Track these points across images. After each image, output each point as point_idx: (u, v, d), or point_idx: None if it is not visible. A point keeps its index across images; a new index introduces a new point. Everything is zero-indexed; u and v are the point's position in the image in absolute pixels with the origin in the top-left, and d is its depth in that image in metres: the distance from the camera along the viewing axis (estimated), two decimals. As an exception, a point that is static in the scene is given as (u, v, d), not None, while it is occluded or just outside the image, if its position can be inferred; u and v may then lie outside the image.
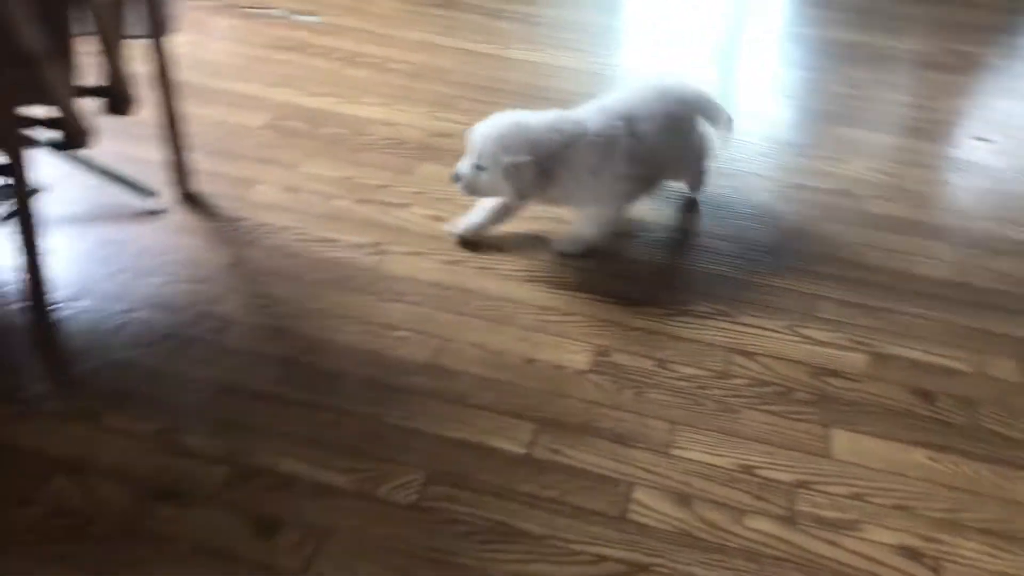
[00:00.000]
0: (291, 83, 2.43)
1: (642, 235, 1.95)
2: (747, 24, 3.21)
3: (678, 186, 2.04)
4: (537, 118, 1.77)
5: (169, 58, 1.79)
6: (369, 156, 2.14)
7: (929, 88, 2.73)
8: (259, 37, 2.68)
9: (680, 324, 1.71)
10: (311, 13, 2.83)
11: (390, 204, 1.97)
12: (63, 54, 1.50)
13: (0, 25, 1.35)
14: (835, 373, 1.62)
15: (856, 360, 1.65)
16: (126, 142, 2.00)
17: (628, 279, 1.83)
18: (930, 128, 2.49)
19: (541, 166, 1.72)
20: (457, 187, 1.78)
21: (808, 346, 1.68)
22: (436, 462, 1.39)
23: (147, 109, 1.77)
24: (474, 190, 1.79)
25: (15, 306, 1.60)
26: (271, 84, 2.42)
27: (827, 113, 2.53)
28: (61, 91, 1.49)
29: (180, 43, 1.92)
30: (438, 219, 1.92)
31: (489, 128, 1.75)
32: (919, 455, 1.47)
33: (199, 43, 2.58)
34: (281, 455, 1.37)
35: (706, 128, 1.98)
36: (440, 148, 2.17)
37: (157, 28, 1.74)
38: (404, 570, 1.23)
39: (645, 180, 1.86)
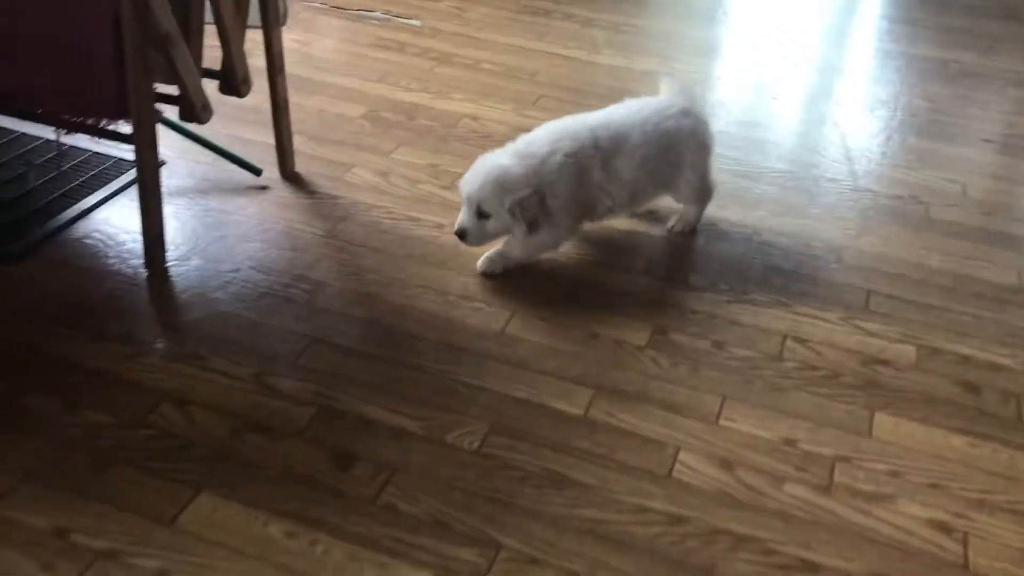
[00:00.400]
0: (388, 79, 2.61)
1: (708, 228, 2.05)
2: (839, 39, 3.27)
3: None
4: (510, 155, 1.81)
5: (279, 49, 1.98)
6: (456, 147, 2.29)
7: (1012, 105, 2.75)
8: (362, 37, 2.87)
9: (738, 310, 1.80)
10: (412, 17, 3.02)
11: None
12: (191, 38, 1.69)
13: (144, 12, 1.55)
14: (884, 362, 1.69)
15: (906, 352, 1.72)
16: (237, 125, 2.21)
17: (692, 268, 1.93)
18: (1009, 143, 2.52)
19: (540, 194, 1.77)
20: (465, 243, 1.81)
21: (860, 336, 1.75)
22: (499, 416, 1.52)
23: (258, 96, 1.95)
24: (482, 239, 1.81)
25: (135, 263, 1.79)
26: (370, 79, 2.60)
27: (905, 124, 2.58)
28: (188, 71, 1.68)
29: (290, 39, 2.12)
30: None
31: (481, 175, 1.77)
32: (958, 440, 1.54)
33: (307, 41, 2.79)
34: (361, 401, 1.53)
35: (698, 157, 1.94)
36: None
37: (271, 21, 1.93)
38: (464, 506, 1.36)
39: (607, 210, 1.89)
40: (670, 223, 2.02)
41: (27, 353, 1.57)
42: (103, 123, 1.71)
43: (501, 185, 1.76)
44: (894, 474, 1.47)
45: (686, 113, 1.93)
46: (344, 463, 1.41)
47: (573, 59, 2.84)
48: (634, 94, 2.55)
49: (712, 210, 2.09)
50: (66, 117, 1.71)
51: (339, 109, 2.43)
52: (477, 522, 1.34)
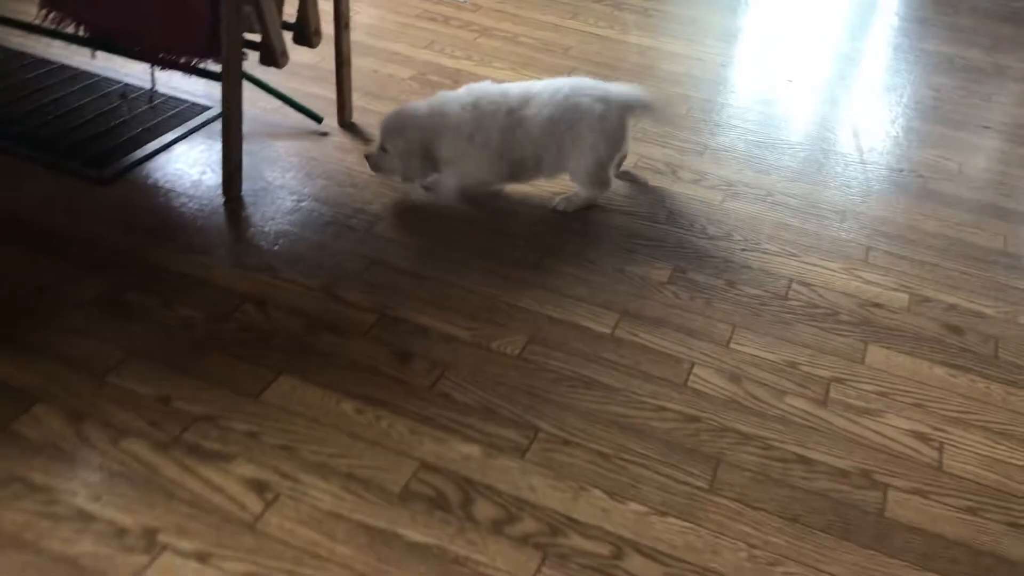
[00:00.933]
0: (434, 47, 2.82)
1: (725, 188, 2.25)
2: (854, 32, 3.48)
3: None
4: (425, 103, 2.03)
5: (346, 7, 2.19)
6: (497, 108, 2.50)
7: (1012, 98, 2.96)
8: (408, 9, 3.09)
9: (750, 257, 2.01)
10: (454, -8, 3.23)
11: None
12: (275, -10, 1.91)
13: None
14: (879, 305, 1.90)
15: (899, 298, 1.93)
16: (300, 80, 2.43)
17: (710, 221, 2.13)
18: (1005, 130, 2.72)
19: (425, 147, 2.00)
20: (370, 168, 2.07)
21: (859, 283, 1.96)
22: (536, 330, 1.73)
23: (316, 57, 2.17)
24: (380, 169, 2.06)
25: (213, 191, 2.01)
26: (417, 46, 2.82)
27: (911, 109, 2.79)
28: (271, 19, 1.89)
29: None
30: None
31: (391, 115, 2.03)
32: (941, 371, 1.75)
33: (357, 9, 2.99)
34: (417, 312, 1.74)
35: (598, 142, 2.01)
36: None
37: (341, -20, 2.14)
38: (507, 397, 1.57)
39: (520, 163, 2.03)
40: (555, 201, 2.12)
41: (127, 258, 1.78)
42: (195, 61, 1.92)
43: (395, 128, 2.01)
44: (882, 394, 1.68)
45: (604, 100, 2.01)
46: (403, 358, 1.63)
47: (604, 37, 3.05)
48: (660, 72, 2.78)
49: (730, 173, 2.30)
50: (163, 55, 1.93)
51: (389, 70, 2.65)
52: (518, 410, 1.55)
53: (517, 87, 2.06)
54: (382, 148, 2.04)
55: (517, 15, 3.13)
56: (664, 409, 1.59)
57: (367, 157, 2.07)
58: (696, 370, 1.68)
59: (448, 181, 2.06)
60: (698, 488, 1.45)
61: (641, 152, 2.37)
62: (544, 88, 2.04)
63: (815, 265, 2.01)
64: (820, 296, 1.91)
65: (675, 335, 1.76)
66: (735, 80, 2.90)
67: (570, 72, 2.75)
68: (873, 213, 2.22)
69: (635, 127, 2.48)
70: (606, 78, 2.59)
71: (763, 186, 2.29)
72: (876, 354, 1.77)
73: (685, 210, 2.16)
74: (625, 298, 1.85)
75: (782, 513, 1.42)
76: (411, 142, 2.00)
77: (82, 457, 1.37)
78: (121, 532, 1.27)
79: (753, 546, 1.36)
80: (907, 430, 1.61)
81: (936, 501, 1.48)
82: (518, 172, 2.07)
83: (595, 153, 2.03)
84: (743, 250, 2.04)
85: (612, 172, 2.12)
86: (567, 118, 2.00)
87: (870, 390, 1.68)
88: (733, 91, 2.80)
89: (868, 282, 1.97)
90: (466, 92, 2.05)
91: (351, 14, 2.23)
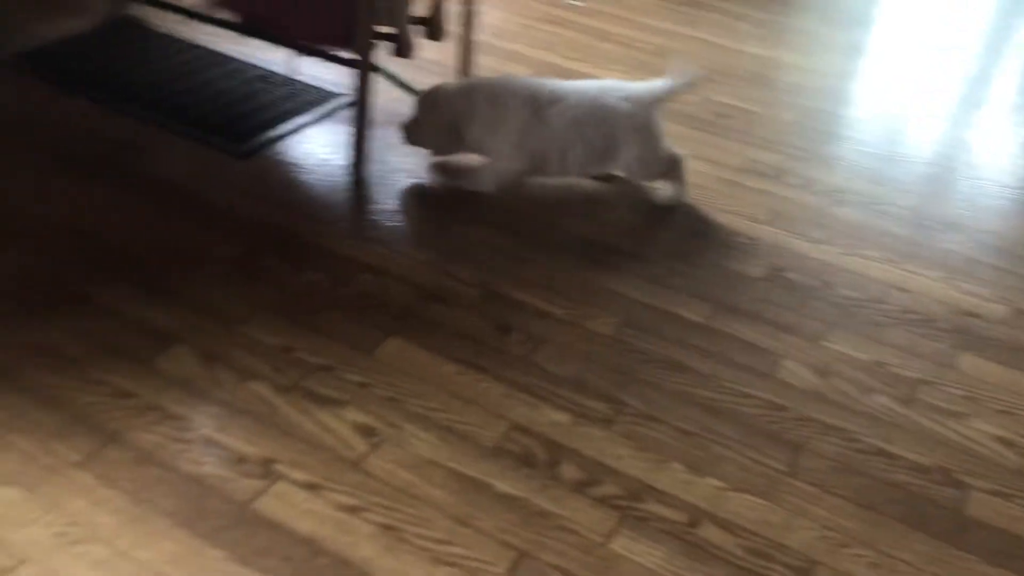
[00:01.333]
0: (551, 48, 2.94)
1: (833, 194, 2.29)
2: (989, 52, 3.42)
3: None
4: (460, 83, 2.15)
5: (473, 9, 2.33)
6: (610, 108, 2.60)
7: None
8: (528, 11, 3.21)
9: (850, 261, 2.04)
10: (576, -2, 3.35)
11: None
12: (408, -14, 2.06)
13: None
14: (976, 315, 1.91)
15: (999, 310, 1.93)
16: (424, 74, 2.57)
17: (813, 224, 2.17)
18: None
19: (449, 126, 2.11)
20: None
21: (958, 293, 1.97)
22: (631, 314, 1.82)
23: (438, 54, 2.30)
24: (410, 140, 2.19)
25: (341, 170, 2.17)
26: (536, 47, 2.94)
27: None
28: (403, 13, 2.04)
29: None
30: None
31: (424, 92, 2.15)
32: (1035, 381, 1.75)
33: (484, 10, 3.13)
34: (517, 289, 1.85)
35: (636, 138, 2.10)
36: (664, 109, 2.60)
37: (469, -20, 2.28)
38: (598, 372, 1.66)
39: (542, 157, 2.11)
40: (655, 194, 2.21)
41: (261, 225, 1.95)
42: (331, 50, 2.08)
43: (428, 104, 2.13)
44: (971, 399, 1.69)
45: (629, 99, 2.09)
46: (503, 330, 1.74)
47: (720, 46, 3.10)
48: (773, 80, 2.82)
49: (839, 180, 2.33)
50: (303, 43, 2.10)
51: (507, 68, 2.77)
52: (608, 385, 1.64)
53: (551, 84, 2.14)
54: (415, 120, 2.17)
55: (634, 21, 3.22)
56: (749, 396, 1.65)
57: (402, 127, 2.20)
58: (784, 362, 1.74)
59: (486, 168, 2.16)
60: (777, 471, 1.51)
61: (748, 155, 2.42)
62: (574, 90, 2.12)
63: (915, 273, 2.03)
64: (917, 302, 1.93)
65: (766, 328, 1.82)
66: (852, 92, 2.91)
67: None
68: (981, 227, 2.22)
69: (739, 130, 2.54)
70: (718, 84, 2.67)
71: (871, 195, 2.31)
72: (968, 361, 1.79)
73: (788, 213, 2.21)
74: (720, 291, 1.91)
75: (858, 500, 1.47)
76: (440, 119, 2.13)
77: (212, 393, 1.53)
78: (242, 459, 1.42)
79: (827, 527, 1.42)
80: (993, 435, 1.62)
81: (1017, 504, 1.49)
82: (542, 166, 2.14)
83: (640, 150, 2.11)
84: (843, 254, 2.07)
85: (665, 150, 2.17)
86: (595, 120, 2.09)
87: (958, 394, 1.70)
88: (849, 103, 2.82)
89: (967, 293, 1.98)
90: (498, 81, 2.16)
91: (476, 15, 2.36)
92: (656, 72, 2.81)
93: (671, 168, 2.18)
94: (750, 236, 2.10)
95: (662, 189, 2.20)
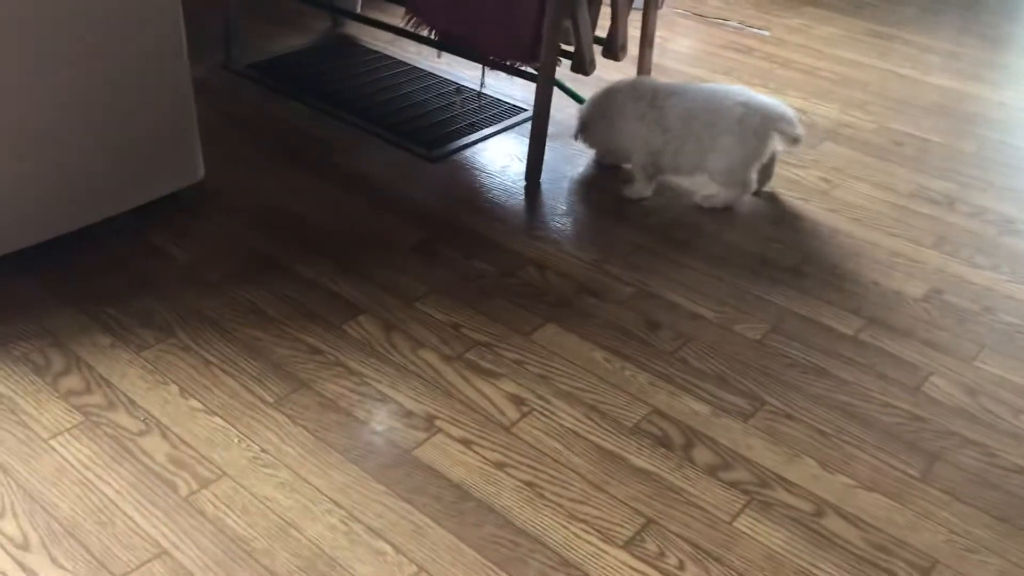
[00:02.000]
0: (731, 73, 3.03)
1: (1002, 221, 2.25)
2: None
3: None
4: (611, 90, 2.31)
5: (653, 27, 2.47)
6: (782, 131, 2.66)
7: None
8: (715, 39, 3.31)
9: (1015, 289, 2.02)
10: (762, 27, 3.42)
11: (789, 164, 2.48)
12: (591, 7, 2.22)
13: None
14: None
15: None
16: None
17: (979, 250, 2.15)
18: None
19: (584, 121, 2.33)
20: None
21: None
22: (780, 322, 1.88)
23: (614, 75, 2.45)
24: (580, 136, 2.38)
25: (517, 178, 2.36)
26: (715, 71, 3.03)
27: None
28: (585, 32, 2.21)
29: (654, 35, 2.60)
30: (826, 181, 2.40)
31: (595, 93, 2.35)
32: None
33: (667, 37, 3.27)
34: (670, 291, 1.96)
35: (733, 145, 2.16)
36: (841, 135, 2.64)
37: (651, 3, 2.42)
38: (741, 371, 1.74)
39: (659, 153, 2.21)
40: (696, 196, 2.28)
41: (442, 219, 2.17)
42: (518, 64, 2.28)
43: (590, 103, 2.36)
44: None
45: (747, 106, 2.16)
46: (652, 326, 1.85)
47: (905, 77, 3.09)
48: (955, 111, 2.79)
49: (1013, 211, 2.29)
50: (493, 58, 2.31)
51: (686, 92, 2.88)
52: (750, 383, 1.72)
53: (674, 84, 2.29)
54: (583, 119, 2.36)
55: (820, 51, 3.25)
56: (891, 406, 1.68)
57: (578, 123, 2.38)
58: (933, 379, 1.75)
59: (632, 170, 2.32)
60: (910, 476, 1.54)
61: (919, 182, 2.42)
62: (695, 88, 2.25)
63: (1087, 305, 1.98)
64: (1085, 334, 1.89)
65: (918, 346, 1.84)
66: (1042, 126, 2.83)
67: (863, 105, 2.84)
68: None
69: (913, 157, 2.54)
70: (899, 113, 2.68)
71: (1048, 226, 2.26)
72: None
73: (955, 239, 2.20)
74: (874, 308, 1.94)
75: (992, 511, 1.48)
76: (595, 119, 2.33)
77: (388, 357, 1.73)
78: (408, 413, 1.61)
79: (954, 532, 1.44)
80: None
81: None
82: (660, 162, 2.24)
83: (731, 156, 2.17)
84: (1009, 282, 2.05)
85: (752, 175, 2.22)
86: (706, 115, 2.18)
87: (1119, 426, 1.66)
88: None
89: None
90: (628, 81, 2.32)
91: (662, 42, 2.50)
92: (839, 99, 2.85)
93: (747, 184, 2.24)
94: (912, 259, 2.11)
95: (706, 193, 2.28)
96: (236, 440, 1.53)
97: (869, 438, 1.61)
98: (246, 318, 1.81)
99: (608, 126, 2.30)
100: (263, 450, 1.52)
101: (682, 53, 3.18)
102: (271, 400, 1.62)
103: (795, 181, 2.41)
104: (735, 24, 3.44)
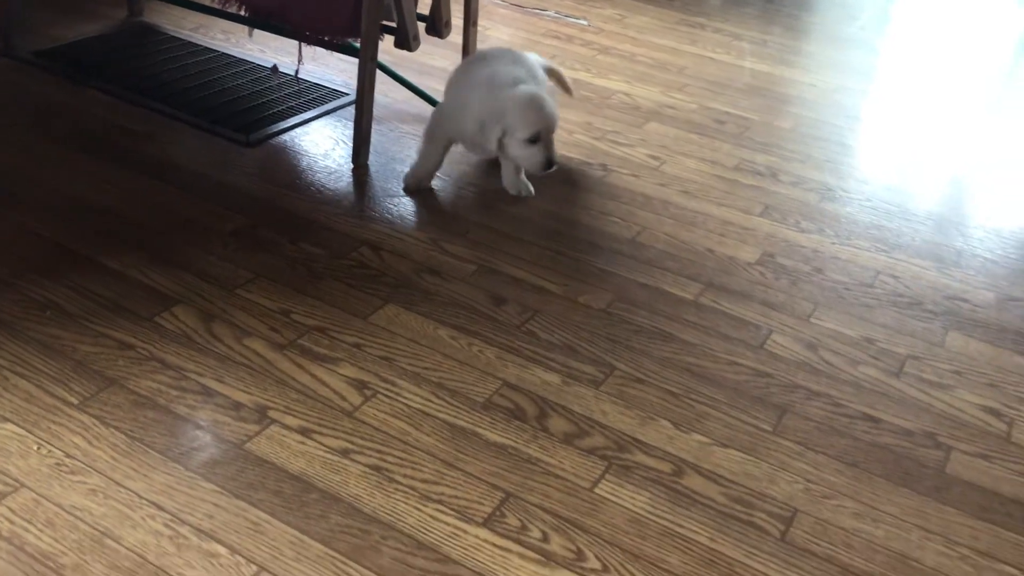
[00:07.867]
0: (555, 60, 3.01)
1: (823, 190, 2.33)
2: (987, 78, 3.49)
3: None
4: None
5: (476, 6, 2.40)
6: (609, 112, 2.66)
7: None
8: (533, 28, 3.30)
9: (840, 250, 2.08)
10: (579, 17, 3.44)
11: (617, 143, 2.48)
12: (412, -20, 2.13)
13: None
14: (965, 300, 1.94)
15: (987, 296, 1.96)
16: (424, 78, 2.64)
17: (803, 216, 2.22)
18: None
19: None
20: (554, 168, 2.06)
21: (948, 280, 2.00)
22: (623, 291, 1.85)
23: (441, 60, 2.37)
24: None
25: (342, 159, 2.23)
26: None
27: None
28: (408, 6, 2.11)
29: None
30: (654, 158, 2.41)
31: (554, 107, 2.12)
32: (1022, 360, 1.77)
33: (487, 27, 3.23)
34: (513, 267, 1.89)
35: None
36: (664, 115, 2.67)
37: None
38: (589, 340, 1.69)
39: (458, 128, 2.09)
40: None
41: (264, 204, 2.01)
42: (337, 40, 2.15)
43: None
44: (957, 373, 1.72)
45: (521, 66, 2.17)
46: (497, 301, 1.78)
47: (719, 61, 3.18)
48: (771, 92, 2.88)
49: (830, 179, 2.38)
50: (309, 33, 2.17)
51: (512, 77, 2.84)
52: (598, 351, 1.67)
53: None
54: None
55: (636, 39, 3.30)
56: (737, 364, 1.68)
57: (552, 164, 2.07)
58: (773, 336, 1.77)
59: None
60: (762, 430, 1.53)
61: (742, 156, 2.47)
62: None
63: (905, 262, 2.06)
64: (906, 287, 1.96)
65: (757, 307, 1.85)
66: (845, 103, 2.97)
67: (682, 87, 2.89)
68: (966, 222, 2.26)
69: (735, 134, 2.60)
70: (716, 94, 2.73)
71: (861, 192, 2.36)
72: (956, 339, 1.81)
73: (781, 207, 2.25)
74: (712, 273, 1.95)
75: (842, 458, 1.49)
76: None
77: (210, 348, 1.57)
78: (237, 406, 1.45)
79: (810, 481, 1.43)
80: (979, 404, 1.64)
81: (999, 465, 1.51)
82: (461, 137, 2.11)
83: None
84: (834, 243, 2.11)
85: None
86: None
87: (946, 368, 1.73)
88: (842, 114, 2.87)
89: (957, 280, 2.01)
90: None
91: (483, 30, 2.44)
92: (659, 83, 2.89)
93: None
94: (744, 227, 2.14)
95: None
96: (35, 447, 1.33)
97: (719, 396, 1.59)
98: (39, 317, 1.59)
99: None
100: (68, 455, 1.33)
101: (504, 41, 3.14)
102: (75, 401, 1.42)
103: (624, 159, 2.40)
104: (552, 13, 3.45)
